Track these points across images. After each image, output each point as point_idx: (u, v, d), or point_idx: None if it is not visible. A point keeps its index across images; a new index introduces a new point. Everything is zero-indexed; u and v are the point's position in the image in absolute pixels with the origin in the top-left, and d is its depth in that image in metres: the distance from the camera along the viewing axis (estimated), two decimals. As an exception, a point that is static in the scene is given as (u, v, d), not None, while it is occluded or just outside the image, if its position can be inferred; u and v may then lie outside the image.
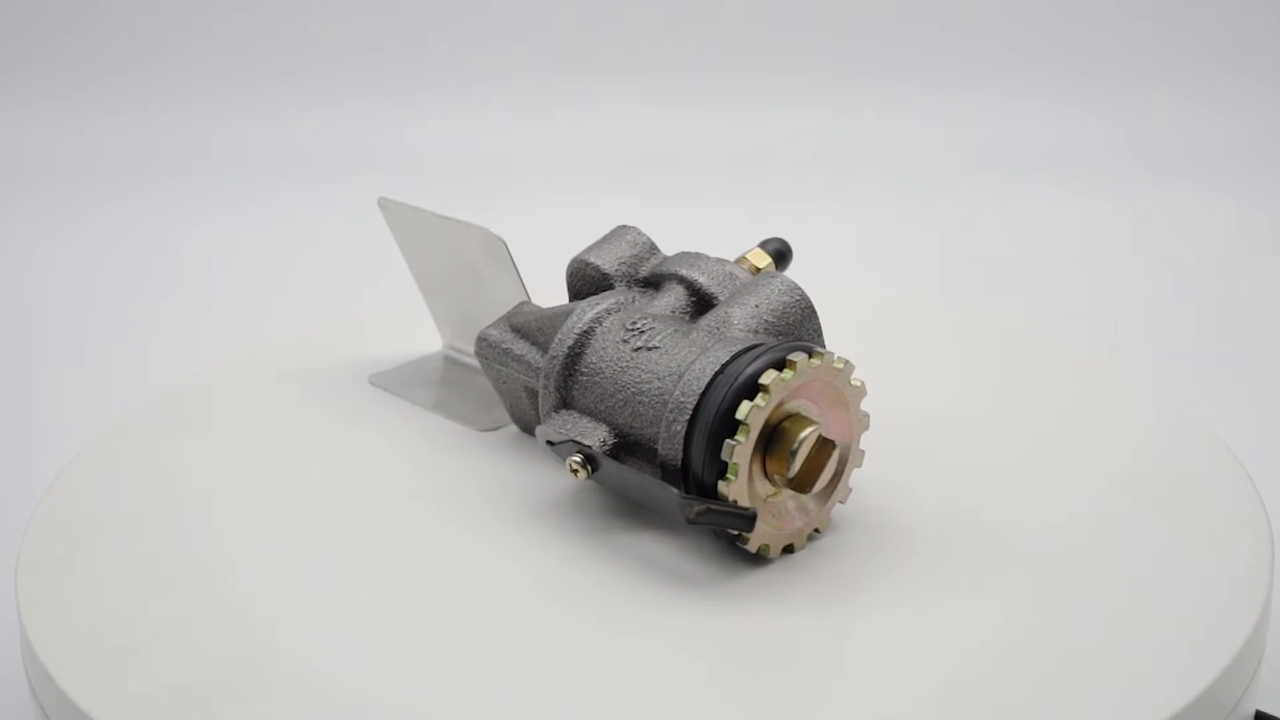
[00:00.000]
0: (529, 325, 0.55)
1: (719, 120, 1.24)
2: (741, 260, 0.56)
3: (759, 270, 0.55)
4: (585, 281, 0.55)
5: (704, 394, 0.47)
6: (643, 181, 1.18)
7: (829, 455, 0.47)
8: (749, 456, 0.46)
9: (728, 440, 0.46)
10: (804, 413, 0.48)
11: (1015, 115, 1.23)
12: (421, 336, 0.67)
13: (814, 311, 0.51)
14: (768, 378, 0.46)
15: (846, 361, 0.48)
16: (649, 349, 0.50)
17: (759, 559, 0.49)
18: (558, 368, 0.52)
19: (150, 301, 1.02)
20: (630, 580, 0.49)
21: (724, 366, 0.47)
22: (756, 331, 0.50)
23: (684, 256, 0.54)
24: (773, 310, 0.51)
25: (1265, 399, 0.84)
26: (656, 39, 1.27)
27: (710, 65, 1.26)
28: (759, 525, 0.47)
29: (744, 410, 0.46)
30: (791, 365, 0.46)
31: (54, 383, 0.89)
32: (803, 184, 1.16)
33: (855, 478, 0.52)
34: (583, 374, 0.51)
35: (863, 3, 1.26)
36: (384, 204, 0.62)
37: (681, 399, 0.47)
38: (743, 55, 1.27)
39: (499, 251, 0.57)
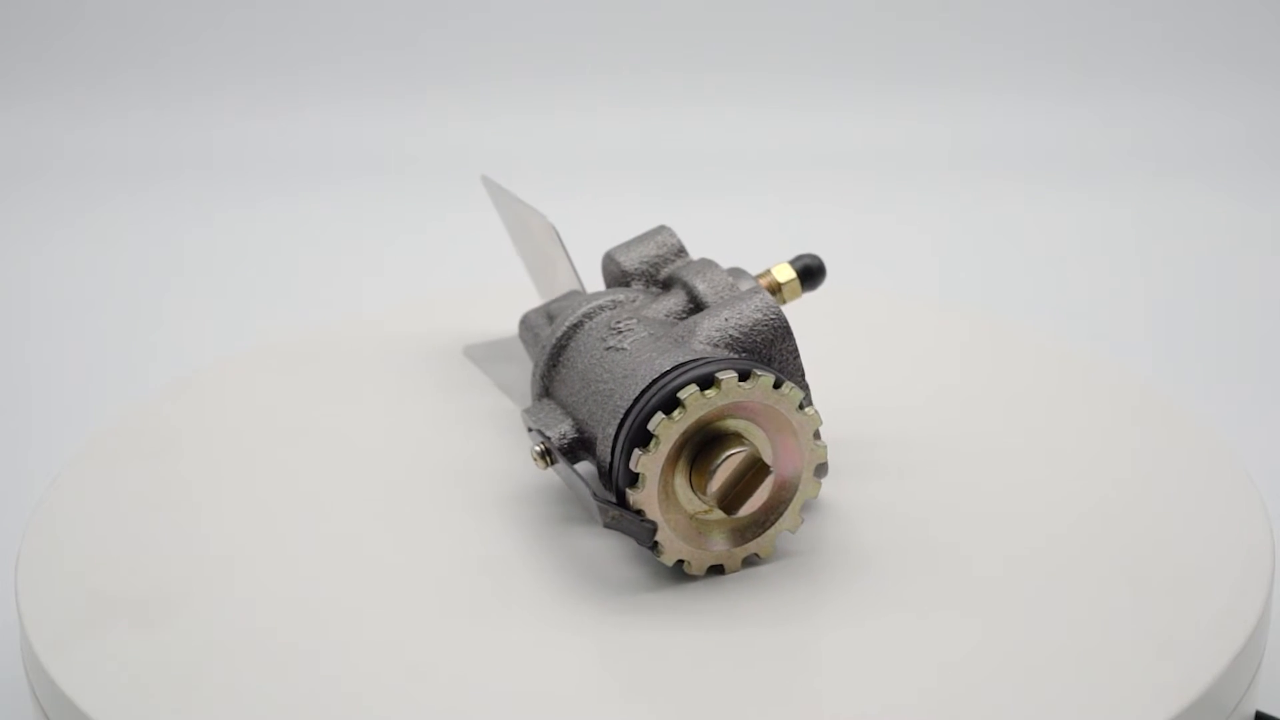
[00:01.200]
0: (556, 312, 0.56)
1: (718, 120, 1.24)
2: (764, 274, 0.55)
3: (780, 285, 0.54)
4: (610, 276, 0.56)
5: (635, 401, 0.47)
6: (643, 181, 1.18)
7: (761, 480, 0.47)
8: (658, 468, 0.46)
9: (637, 449, 0.46)
10: (746, 434, 0.47)
11: (1015, 115, 1.23)
12: (418, 337, 0.67)
13: (788, 332, 0.50)
14: (686, 393, 0.46)
15: (794, 389, 0.47)
16: (617, 349, 0.50)
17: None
18: (545, 357, 0.53)
19: (150, 301, 1.02)
20: (568, 583, 0.49)
21: (662, 376, 0.47)
22: (719, 345, 0.49)
23: (696, 263, 0.54)
24: (740, 326, 0.49)
25: (1265, 399, 0.84)
26: (656, 39, 1.27)
27: (709, 65, 1.26)
28: (677, 541, 0.47)
29: (655, 422, 0.46)
30: (717, 384, 0.46)
31: (54, 382, 0.89)
32: (802, 183, 1.16)
33: (851, 481, 0.52)
34: (563, 366, 0.52)
35: (862, 2, 1.26)
36: (486, 181, 0.63)
37: (618, 404, 0.47)
38: (742, 55, 1.27)
39: (551, 236, 0.57)
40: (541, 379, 0.53)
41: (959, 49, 1.26)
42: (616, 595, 0.48)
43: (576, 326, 0.52)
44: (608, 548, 0.50)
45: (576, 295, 0.57)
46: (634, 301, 0.53)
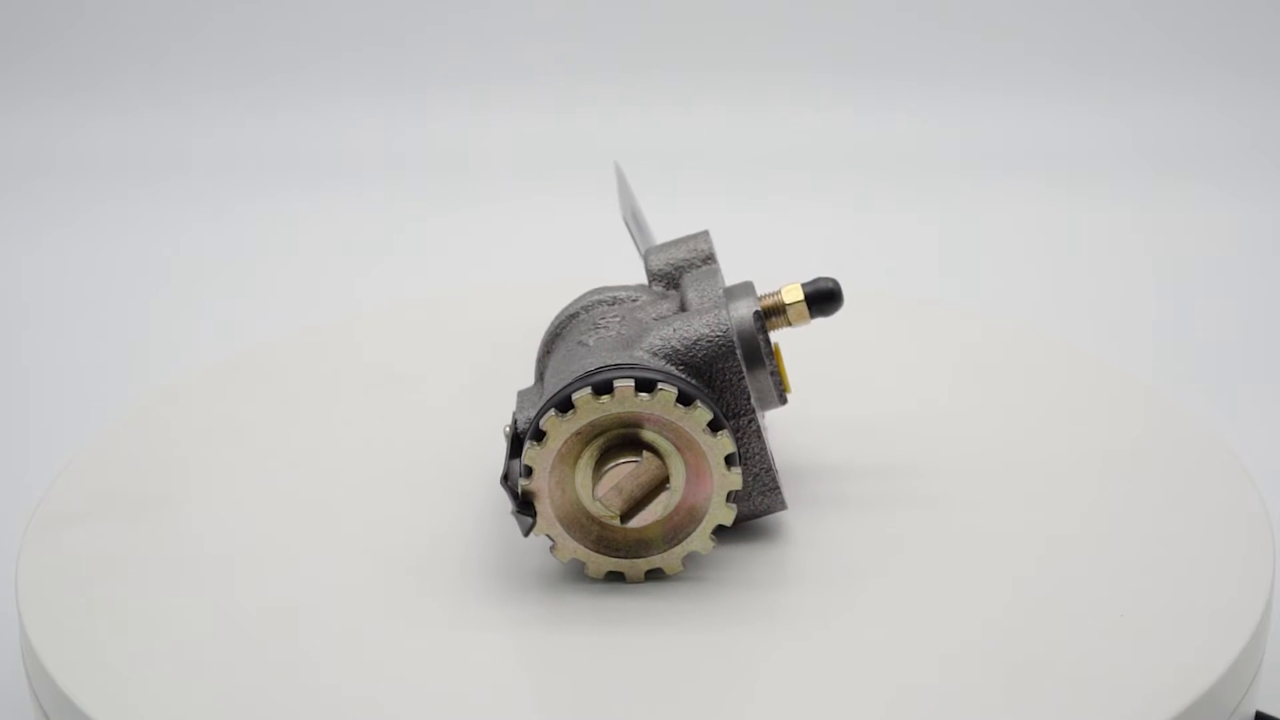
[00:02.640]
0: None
1: (719, 120, 1.24)
2: (773, 292, 0.52)
3: (785, 306, 0.52)
4: (646, 272, 0.56)
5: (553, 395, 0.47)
6: (642, 182, 1.18)
7: (655, 494, 0.47)
8: (547, 464, 0.46)
9: (528, 441, 0.47)
10: (659, 447, 0.47)
11: (1016, 114, 1.23)
12: (420, 336, 0.67)
13: (731, 353, 0.49)
14: (579, 396, 0.46)
15: (704, 409, 0.46)
16: (583, 344, 0.51)
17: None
18: (542, 342, 0.54)
19: (148, 300, 1.02)
20: (498, 579, 0.49)
21: (583, 375, 0.47)
22: (657, 354, 0.49)
23: (701, 272, 0.53)
24: (684, 339, 0.49)
25: (1266, 399, 0.84)
26: (656, 38, 1.27)
27: (710, 65, 1.26)
28: (570, 541, 0.48)
29: (545, 420, 0.46)
30: (613, 391, 0.46)
31: (53, 382, 0.89)
32: (802, 183, 1.16)
33: (850, 481, 0.52)
34: (552, 354, 0.53)
35: (866, 2, 1.26)
36: (618, 168, 0.63)
37: (545, 396, 0.48)
38: (743, 55, 1.27)
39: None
40: (538, 363, 0.54)
41: (960, 48, 1.26)
42: (544, 597, 0.48)
43: (572, 317, 0.53)
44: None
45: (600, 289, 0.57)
46: (634, 301, 0.53)
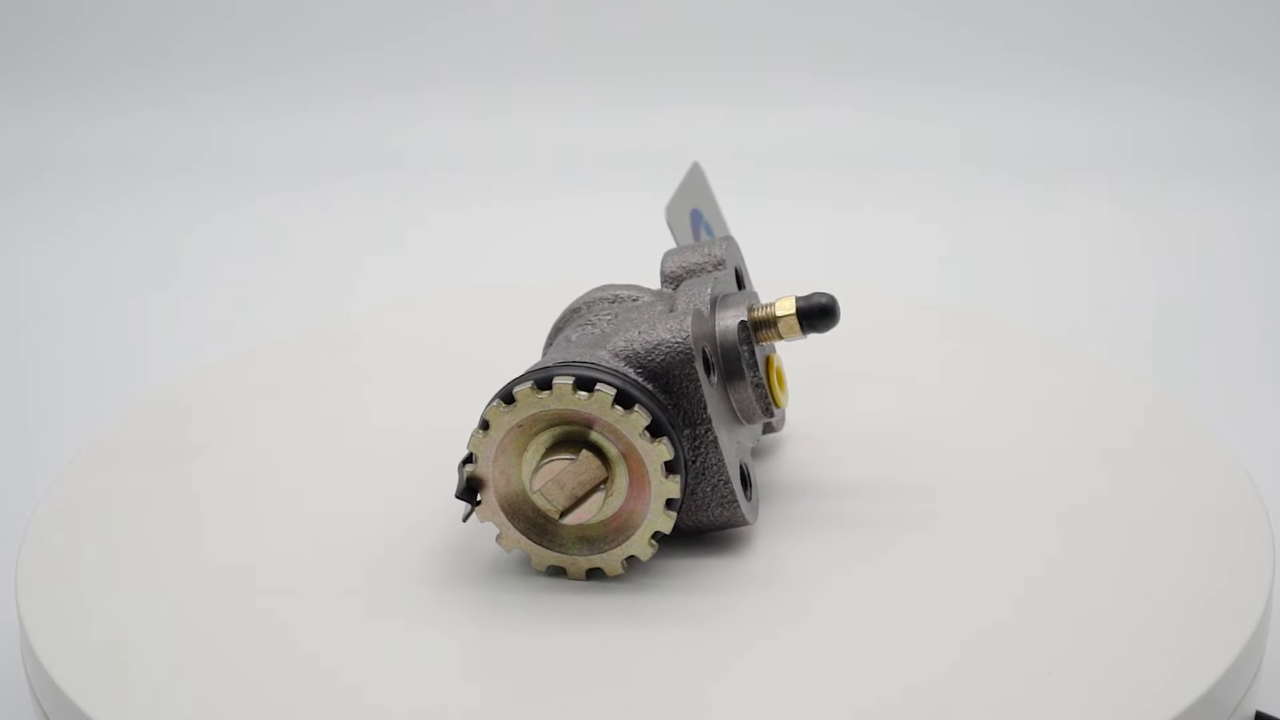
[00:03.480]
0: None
1: (720, 120, 1.24)
2: (761, 306, 0.51)
3: (776, 319, 0.50)
4: (660, 274, 0.56)
5: None
6: (642, 182, 1.18)
7: (588, 494, 0.47)
8: (490, 451, 0.47)
9: (477, 429, 0.47)
10: (603, 448, 0.47)
11: (1016, 114, 1.23)
12: (420, 336, 0.67)
13: (688, 360, 0.48)
14: (520, 389, 0.47)
15: (642, 415, 0.46)
16: (568, 340, 0.51)
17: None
18: (548, 336, 0.54)
19: (148, 300, 1.02)
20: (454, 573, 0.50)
21: (532, 370, 0.48)
22: (619, 355, 0.48)
23: (699, 280, 0.53)
24: (645, 343, 0.48)
25: (1266, 399, 0.84)
26: (655, 37, 1.27)
27: (710, 65, 1.26)
28: (514, 531, 0.48)
29: (489, 409, 0.47)
30: (552, 387, 0.46)
31: (53, 382, 0.89)
32: (802, 183, 1.16)
33: (845, 480, 0.52)
34: (548, 347, 0.54)
35: (867, 2, 1.26)
36: (696, 167, 0.63)
37: None
38: (743, 55, 1.27)
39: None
40: (541, 354, 0.54)
41: (960, 48, 1.26)
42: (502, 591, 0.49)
43: (575, 312, 0.54)
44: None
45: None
46: (634, 301, 0.53)
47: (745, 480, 0.51)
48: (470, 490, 0.48)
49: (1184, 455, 0.57)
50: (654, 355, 0.48)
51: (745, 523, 0.50)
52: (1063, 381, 0.63)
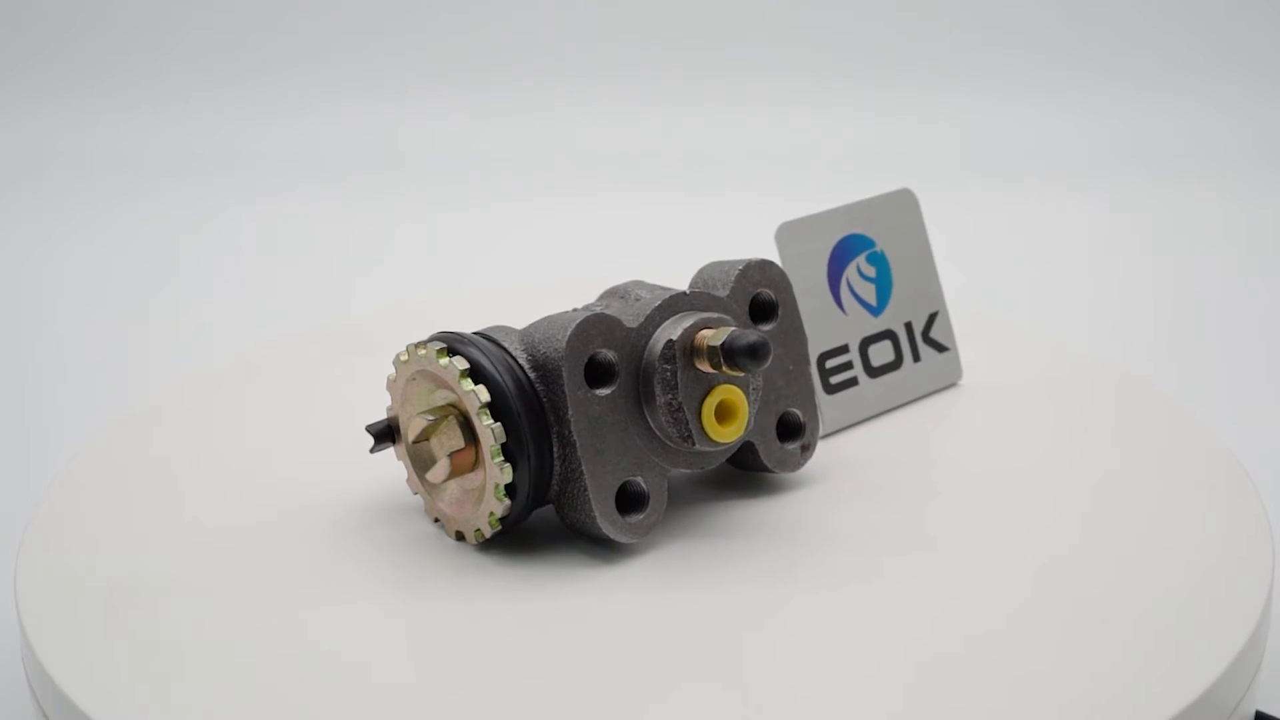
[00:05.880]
0: None
1: (720, 120, 1.24)
2: (706, 330, 0.48)
3: (706, 348, 0.48)
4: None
5: None
6: (643, 181, 1.18)
7: (437, 454, 0.48)
8: (398, 398, 0.50)
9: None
10: (473, 424, 0.48)
11: (1016, 114, 1.23)
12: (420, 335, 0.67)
13: (559, 358, 0.47)
14: (416, 344, 0.49)
15: (471, 390, 0.47)
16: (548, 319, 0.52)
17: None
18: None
19: (148, 300, 1.02)
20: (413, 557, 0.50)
21: (442, 334, 0.50)
22: (523, 339, 0.49)
23: (678, 295, 0.50)
24: (542, 334, 0.48)
25: (1266, 399, 0.84)
26: (654, 38, 1.27)
27: (710, 65, 1.26)
28: (414, 478, 0.50)
29: (396, 357, 0.50)
30: (420, 346, 0.49)
31: (53, 382, 0.89)
32: (802, 183, 1.16)
33: (841, 477, 0.52)
34: None
35: (868, 3, 1.26)
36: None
37: None
38: (743, 55, 1.27)
39: None
40: None
41: (961, 49, 1.26)
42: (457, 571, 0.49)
43: (606, 293, 0.54)
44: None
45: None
46: (635, 299, 0.53)
47: (636, 498, 0.49)
48: (388, 431, 0.50)
49: (1183, 456, 0.57)
50: (539, 348, 0.48)
51: (599, 532, 0.49)
52: (1062, 381, 0.63)
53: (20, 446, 0.81)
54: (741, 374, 0.48)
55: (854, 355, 0.59)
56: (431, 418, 0.48)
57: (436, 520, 0.51)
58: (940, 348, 0.62)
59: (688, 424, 0.48)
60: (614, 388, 0.48)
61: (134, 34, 1.24)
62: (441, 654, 0.46)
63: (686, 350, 0.48)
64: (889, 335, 0.60)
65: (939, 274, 0.62)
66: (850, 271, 0.59)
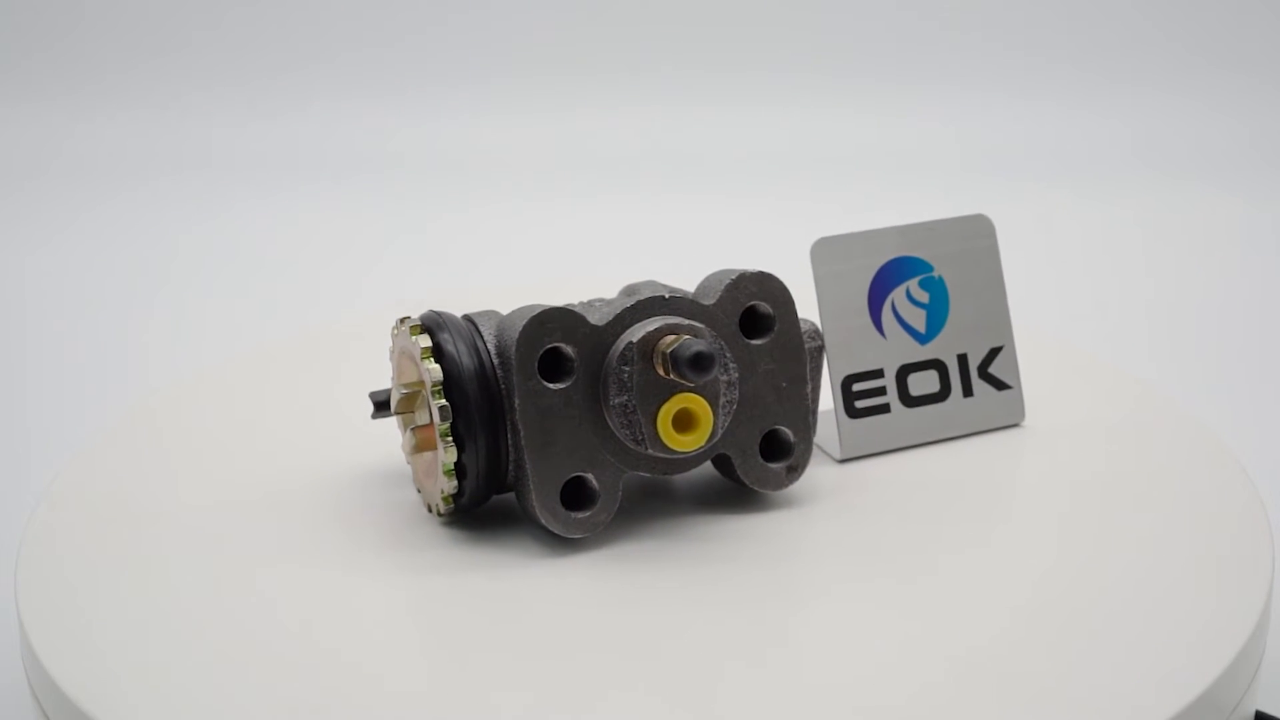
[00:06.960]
0: None
1: (719, 120, 1.24)
2: (668, 336, 0.48)
3: (659, 354, 0.48)
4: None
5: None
6: (643, 181, 1.18)
7: (405, 427, 0.51)
8: (394, 370, 0.52)
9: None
10: (427, 391, 0.49)
11: (1016, 114, 1.23)
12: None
13: (510, 345, 0.48)
14: (403, 317, 0.50)
15: (430, 365, 0.48)
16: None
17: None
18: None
19: (148, 301, 1.02)
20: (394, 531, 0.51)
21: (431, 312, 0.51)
22: (499, 325, 0.50)
23: (670, 298, 0.50)
24: (506, 324, 0.49)
25: (1266, 399, 0.84)
26: (656, 38, 1.27)
27: (711, 65, 1.26)
28: (409, 446, 0.51)
29: (391, 329, 0.52)
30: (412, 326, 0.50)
31: (53, 382, 0.89)
32: (802, 183, 1.16)
33: (839, 476, 0.52)
34: None
35: (868, 4, 1.26)
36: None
37: None
38: (742, 55, 1.27)
39: None
40: None
41: (961, 49, 1.26)
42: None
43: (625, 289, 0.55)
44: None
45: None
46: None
47: (585, 495, 0.49)
48: (388, 400, 0.52)
49: (1183, 456, 0.57)
50: (504, 335, 0.49)
51: (539, 523, 0.49)
52: (1061, 381, 0.63)
53: (20, 446, 0.81)
54: (690, 384, 0.47)
55: (889, 381, 0.56)
56: (405, 390, 0.50)
57: (420, 491, 0.52)
58: (1000, 385, 0.58)
59: (641, 427, 0.48)
60: (569, 382, 0.48)
61: (134, 34, 1.24)
62: (416, 631, 0.46)
63: (647, 353, 0.48)
64: (936, 365, 0.57)
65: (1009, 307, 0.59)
66: (897, 295, 0.57)
